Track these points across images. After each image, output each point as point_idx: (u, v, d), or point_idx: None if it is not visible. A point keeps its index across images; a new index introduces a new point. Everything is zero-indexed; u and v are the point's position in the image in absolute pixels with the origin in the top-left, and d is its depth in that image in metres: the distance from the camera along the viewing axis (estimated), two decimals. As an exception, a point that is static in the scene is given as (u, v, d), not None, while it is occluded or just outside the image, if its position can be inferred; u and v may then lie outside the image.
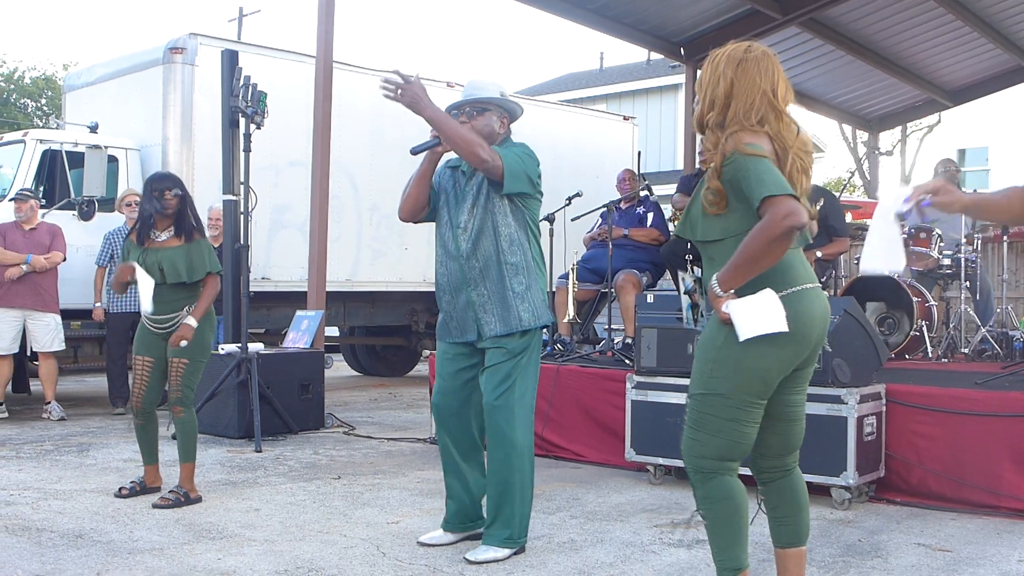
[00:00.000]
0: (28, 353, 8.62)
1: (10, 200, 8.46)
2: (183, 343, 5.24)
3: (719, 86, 3.09)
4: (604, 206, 8.13)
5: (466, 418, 4.46)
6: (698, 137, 11.26)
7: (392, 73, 4.20)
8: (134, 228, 5.51)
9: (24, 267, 8.18)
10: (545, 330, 4.52)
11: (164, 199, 5.35)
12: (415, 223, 4.54)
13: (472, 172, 4.35)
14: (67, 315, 8.80)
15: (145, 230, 5.40)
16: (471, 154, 4.13)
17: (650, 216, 8.33)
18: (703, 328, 3.18)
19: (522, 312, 4.27)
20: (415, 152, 4.30)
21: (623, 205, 8.43)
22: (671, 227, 8.46)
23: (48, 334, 8.35)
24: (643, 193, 8.56)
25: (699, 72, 12.99)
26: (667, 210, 8.56)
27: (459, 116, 4.37)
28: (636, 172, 8.90)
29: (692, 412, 3.07)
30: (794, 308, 2.98)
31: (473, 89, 4.43)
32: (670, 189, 9.64)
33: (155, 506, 5.17)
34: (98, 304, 8.78)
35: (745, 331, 2.94)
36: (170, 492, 5.28)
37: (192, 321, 5.29)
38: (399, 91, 4.16)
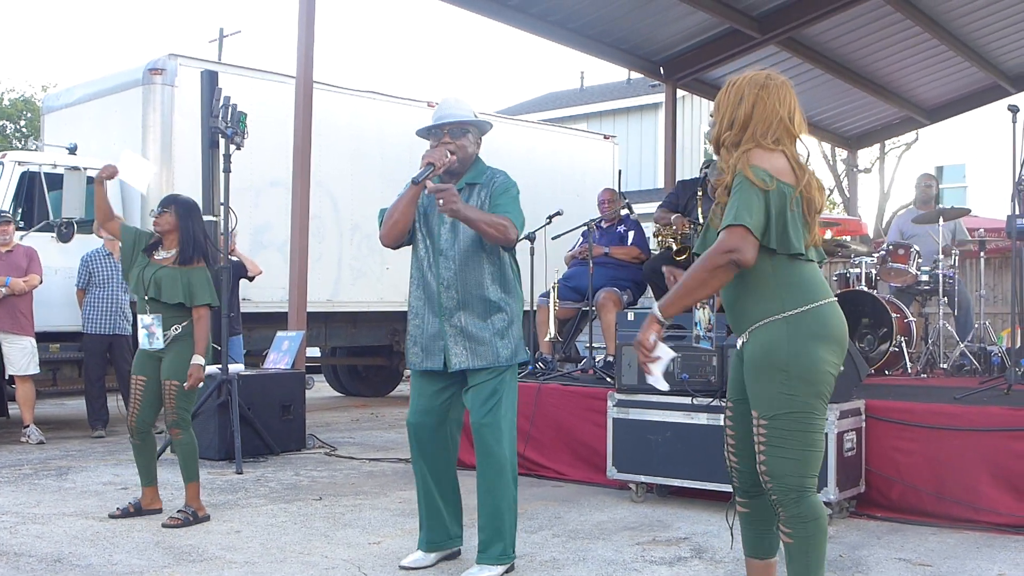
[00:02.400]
0: (6, 377, 8.56)
1: None
2: (200, 384, 5.33)
3: (740, 108, 3.16)
4: (584, 225, 8.15)
5: (443, 437, 4.45)
6: (678, 156, 11.17)
7: (444, 145, 4.28)
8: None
9: (3, 290, 8.14)
10: (526, 349, 4.52)
11: (153, 219, 5.47)
12: (396, 249, 4.54)
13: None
14: (46, 338, 8.75)
15: (155, 244, 5.47)
16: (507, 240, 4.23)
17: (631, 234, 8.36)
18: (736, 350, 3.23)
19: (500, 349, 4.29)
20: (418, 181, 4.25)
21: (604, 224, 8.45)
22: (653, 244, 8.48)
23: (24, 357, 8.29)
24: (623, 212, 8.59)
25: (681, 92, 12.98)
26: (648, 227, 8.58)
27: (442, 136, 4.36)
28: (617, 191, 8.92)
29: (776, 433, 3.04)
30: (837, 318, 3.12)
31: (451, 109, 4.43)
32: (651, 208, 9.66)
33: (165, 526, 5.18)
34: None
35: (660, 380, 3.14)
36: (179, 512, 5.29)
37: (199, 360, 5.33)
38: (441, 199, 4.14)
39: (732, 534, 3.44)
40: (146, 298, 5.37)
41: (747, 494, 3.28)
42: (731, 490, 3.33)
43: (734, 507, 3.35)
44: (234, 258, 9.06)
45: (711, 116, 3.30)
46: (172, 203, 5.48)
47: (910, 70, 13.60)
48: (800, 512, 3.05)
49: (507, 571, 4.30)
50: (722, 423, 3.37)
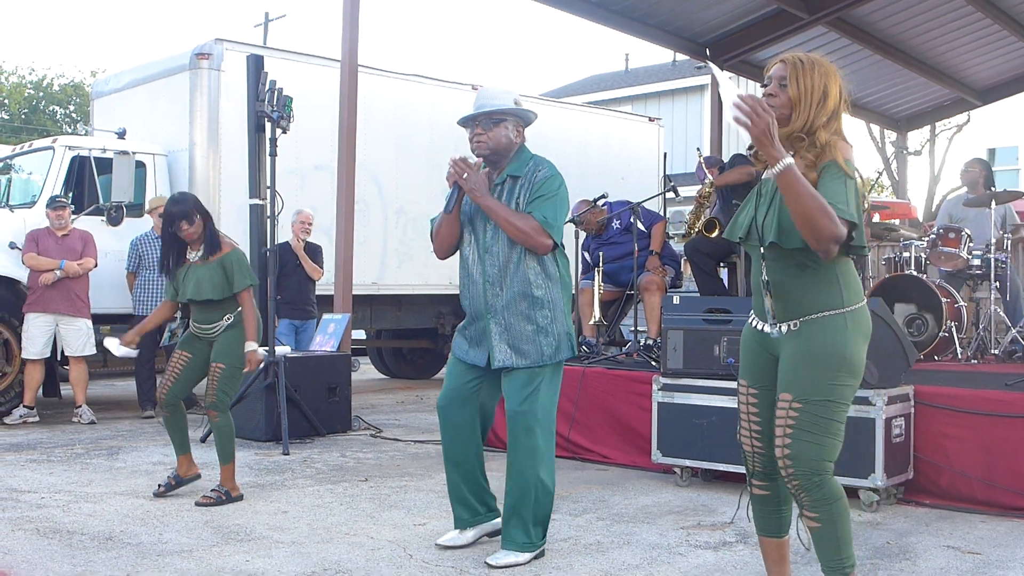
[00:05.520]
0: (59, 358, 8.71)
1: (46, 207, 8.53)
2: (260, 366, 5.38)
3: (818, 89, 3.12)
4: (628, 208, 8.05)
5: (468, 418, 4.41)
6: (724, 138, 11.02)
7: (462, 159, 4.23)
8: (167, 257, 5.54)
9: (58, 272, 8.28)
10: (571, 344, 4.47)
11: (183, 233, 5.43)
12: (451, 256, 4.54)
13: (493, 188, 4.30)
14: (97, 320, 8.89)
15: (178, 255, 5.51)
16: (534, 244, 4.18)
17: (637, 222, 8.09)
18: (768, 334, 3.24)
19: (544, 347, 4.25)
20: (449, 211, 4.29)
21: (599, 234, 8.36)
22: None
23: (80, 339, 8.45)
24: (601, 203, 8.40)
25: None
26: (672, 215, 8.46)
27: (475, 127, 4.30)
28: (590, 202, 8.45)
29: (809, 418, 3.08)
30: (868, 319, 3.23)
31: (486, 99, 4.33)
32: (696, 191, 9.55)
33: (198, 504, 5.26)
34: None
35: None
36: (212, 491, 5.38)
37: (254, 346, 5.41)
38: (465, 175, 4.16)
39: (748, 516, 3.48)
40: (190, 300, 5.44)
41: (768, 476, 3.33)
42: (734, 470, 3.37)
43: (748, 491, 3.40)
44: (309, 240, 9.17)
45: (770, 96, 3.13)
46: (194, 211, 5.43)
47: (962, 50, 13.35)
48: (823, 495, 3.10)
49: (535, 557, 4.29)
50: (739, 408, 3.41)
